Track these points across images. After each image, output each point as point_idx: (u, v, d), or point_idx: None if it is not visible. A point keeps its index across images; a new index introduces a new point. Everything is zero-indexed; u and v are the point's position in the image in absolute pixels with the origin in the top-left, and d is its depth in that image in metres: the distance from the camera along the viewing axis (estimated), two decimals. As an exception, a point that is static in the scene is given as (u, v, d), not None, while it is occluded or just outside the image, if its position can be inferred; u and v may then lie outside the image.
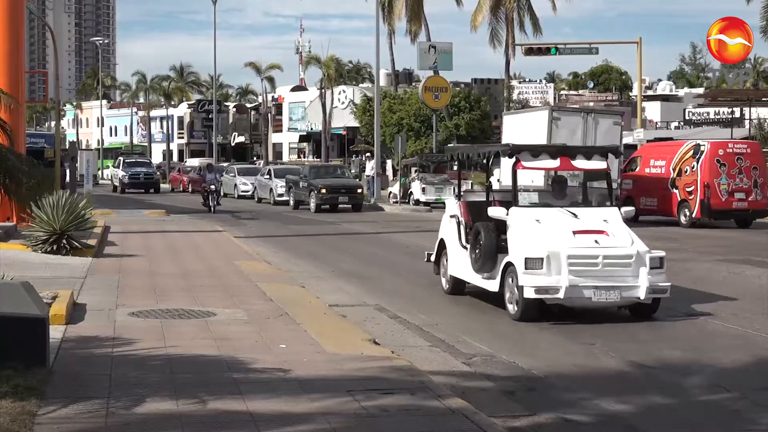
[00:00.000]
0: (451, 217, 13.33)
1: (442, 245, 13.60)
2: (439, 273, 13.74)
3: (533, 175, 19.25)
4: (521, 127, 27.43)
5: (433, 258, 13.90)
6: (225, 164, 69.24)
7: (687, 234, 23.88)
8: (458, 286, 13.13)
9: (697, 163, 25.64)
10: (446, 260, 13.39)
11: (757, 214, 26.06)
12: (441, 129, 58.86)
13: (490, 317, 11.68)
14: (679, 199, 25.98)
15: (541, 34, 58.65)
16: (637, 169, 28.07)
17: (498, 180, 20.25)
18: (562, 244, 11.11)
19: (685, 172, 26.00)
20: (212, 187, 33.22)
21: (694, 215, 25.48)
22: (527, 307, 11.04)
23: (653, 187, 26.86)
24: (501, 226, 11.94)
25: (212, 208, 32.74)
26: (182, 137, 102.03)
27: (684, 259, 18.05)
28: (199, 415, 6.58)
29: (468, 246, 12.40)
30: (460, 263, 12.78)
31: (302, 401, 6.96)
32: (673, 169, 26.43)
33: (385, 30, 61.19)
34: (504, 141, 27.62)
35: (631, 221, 13.43)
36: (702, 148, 25.95)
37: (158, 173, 55.95)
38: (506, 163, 13.25)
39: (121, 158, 56.21)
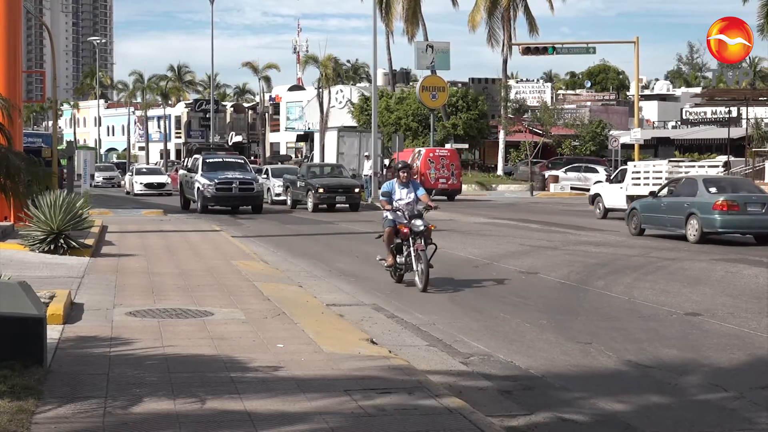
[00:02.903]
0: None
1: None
2: None
3: None
4: (329, 142, 47.58)
5: None
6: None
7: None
8: None
9: (418, 161, 42.23)
10: None
11: (454, 192, 42.92)
12: (438, 128, 58.91)
13: (488, 316, 11.69)
14: None
15: (537, 34, 58.81)
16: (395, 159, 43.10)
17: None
18: None
19: (416, 164, 41.22)
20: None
21: None
22: None
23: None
24: None
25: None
26: (179, 137, 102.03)
27: (680, 258, 18.08)
28: (196, 414, 6.58)
29: None
30: None
31: (299, 401, 6.97)
32: (412, 161, 40.77)
33: (382, 29, 61.23)
34: (327, 153, 48.12)
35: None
36: (420, 152, 43.93)
37: (259, 181, 34.33)
38: None
39: (198, 157, 35.33)
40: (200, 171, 33.03)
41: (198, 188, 32.61)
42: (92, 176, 69.41)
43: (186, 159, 41.12)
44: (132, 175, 53.36)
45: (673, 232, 22.70)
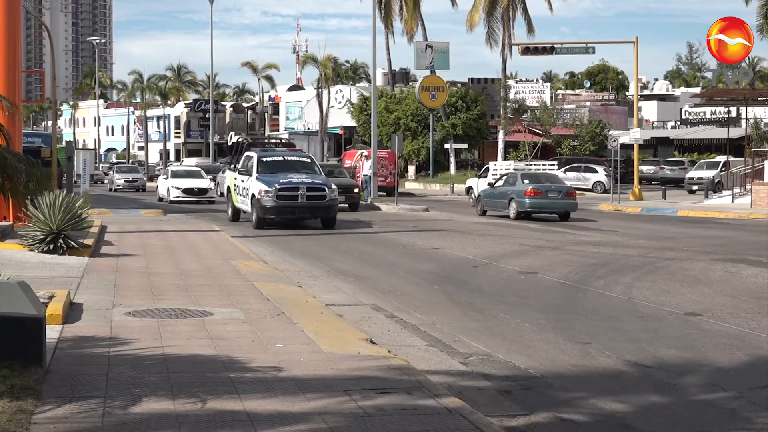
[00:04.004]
0: None
1: None
2: None
3: None
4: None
5: None
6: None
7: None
8: None
9: (361, 162, 46.71)
10: None
11: (391, 189, 43.65)
12: (438, 128, 58.92)
13: (487, 316, 11.69)
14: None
15: (533, 34, 58.73)
16: (342, 160, 52.92)
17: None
18: None
19: (358, 165, 46.85)
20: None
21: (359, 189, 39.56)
22: None
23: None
24: None
25: None
26: (179, 137, 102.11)
27: (679, 258, 18.08)
28: (195, 414, 6.58)
29: None
30: None
31: (299, 401, 6.97)
32: (354, 162, 48.25)
33: (382, 29, 61.23)
34: None
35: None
36: (363, 153, 47.86)
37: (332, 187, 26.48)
38: None
39: (252, 155, 27.67)
40: (255, 173, 25.97)
41: (253, 195, 25.43)
42: (95, 175, 67.66)
43: (234, 156, 32.58)
44: (167, 177, 42.86)
45: (502, 213, 30.68)
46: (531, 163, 48.93)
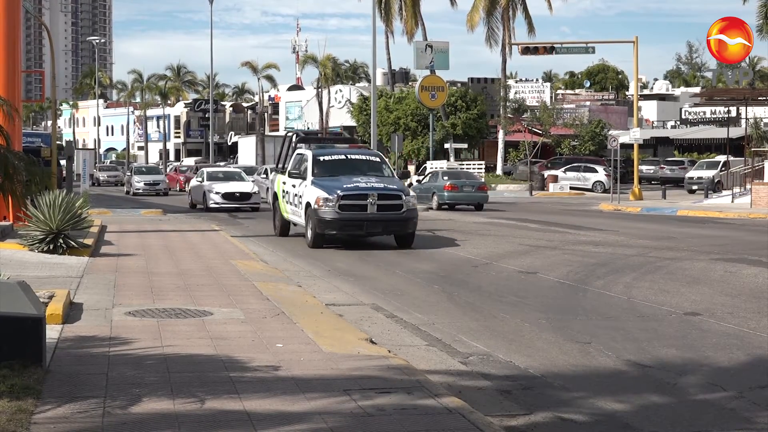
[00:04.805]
0: None
1: None
2: None
3: None
4: (246, 146, 56.96)
5: None
6: (222, 163, 69.59)
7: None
8: None
9: None
10: None
11: None
12: (438, 128, 58.89)
13: (487, 316, 11.69)
14: None
15: (534, 34, 58.74)
16: None
17: None
18: None
19: None
20: None
21: None
22: None
23: None
24: None
25: None
26: (179, 136, 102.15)
27: (679, 257, 18.08)
28: (195, 414, 6.58)
29: None
30: None
31: (299, 400, 6.97)
32: None
33: (382, 29, 61.23)
34: (240, 156, 59.53)
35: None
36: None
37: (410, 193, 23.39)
38: None
39: (306, 153, 22.22)
40: (310, 176, 20.82)
41: (307, 205, 20.19)
42: (114, 176, 66.18)
43: (283, 153, 25.06)
44: (202, 180, 36.79)
45: (428, 205, 35.33)
46: (463, 163, 53.98)
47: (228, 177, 37.44)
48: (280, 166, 24.59)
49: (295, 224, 22.07)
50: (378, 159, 22.24)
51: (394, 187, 20.35)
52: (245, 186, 35.93)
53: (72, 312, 10.54)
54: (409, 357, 8.91)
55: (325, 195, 19.67)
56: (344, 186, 19.88)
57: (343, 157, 21.90)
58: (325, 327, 10.06)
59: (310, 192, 20.17)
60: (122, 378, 7.54)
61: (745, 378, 8.51)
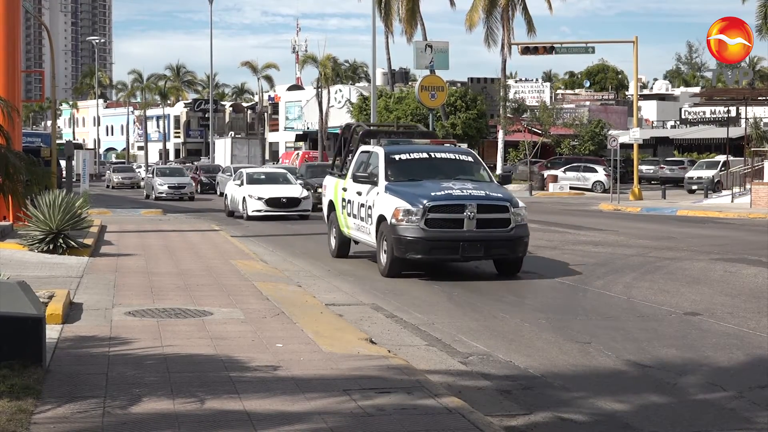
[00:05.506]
0: None
1: None
2: None
3: None
4: (221, 146, 66.88)
5: None
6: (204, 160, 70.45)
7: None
8: None
9: (297, 161, 55.58)
10: None
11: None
12: (437, 128, 58.84)
13: (487, 316, 11.69)
14: None
15: (534, 34, 58.74)
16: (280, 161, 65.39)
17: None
18: None
19: (295, 161, 56.58)
20: None
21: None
22: None
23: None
24: None
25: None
26: (178, 136, 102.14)
27: (679, 257, 18.08)
28: (195, 414, 6.58)
29: None
30: None
31: (299, 400, 6.97)
32: (291, 162, 57.94)
33: (382, 29, 61.22)
34: (217, 156, 66.55)
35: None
36: (299, 153, 59.89)
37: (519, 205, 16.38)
38: None
39: (377, 151, 17.10)
40: (383, 179, 16.24)
41: (381, 219, 15.65)
42: (129, 178, 64.85)
43: (350, 152, 19.40)
44: (241, 184, 31.47)
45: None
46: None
47: (271, 179, 32.28)
48: (334, 166, 20.50)
49: (356, 241, 17.83)
50: (471, 159, 17.40)
51: (499, 195, 15.89)
52: (293, 190, 30.88)
53: (72, 312, 10.55)
54: (409, 357, 8.91)
55: (407, 205, 15.07)
56: (432, 194, 15.25)
57: (425, 155, 17.12)
58: (325, 327, 10.07)
59: (385, 202, 15.61)
60: (122, 378, 7.54)
61: (745, 378, 8.51)
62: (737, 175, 41.89)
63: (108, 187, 58.09)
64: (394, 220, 15.10)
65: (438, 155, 17.28)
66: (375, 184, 16.38)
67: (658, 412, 7.42)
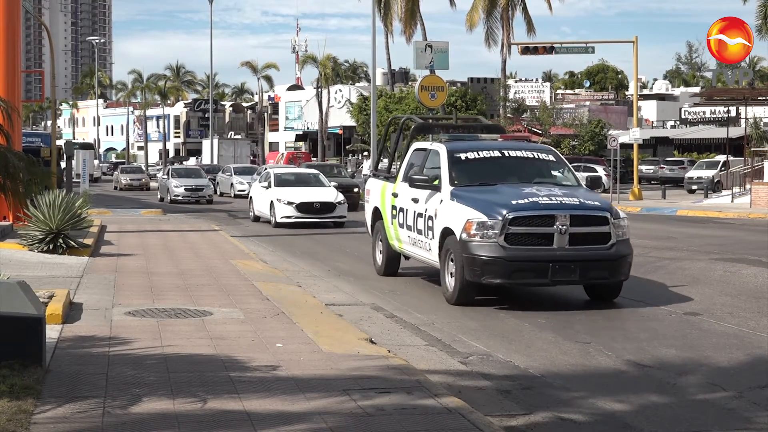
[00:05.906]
0: None
1: None
2: None
3: None
4: (208, 147, 67.72)
5: None
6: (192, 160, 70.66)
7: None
8: None
9: (282, 160, 59.76)
10: None
11: None
12: (438, 128, 58.74)
13: (487, 316, 11.68)
14: None
15: (534, 33, 58.73)
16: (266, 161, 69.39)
17: None
18: None
19: (279, 161, 60.85)
20: None
21: None
22: None
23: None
24: None
25: None
26: (178, 136, 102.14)
27: (679, 257, 18.07)
28: (195, 414, 6.58)
29: None
30: None
31: (299, 400, 6.97)
32: (276, 162, 61.33)
33: (381, 29, 61.22)
34: (204, 156, 69.69)
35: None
36: (283, 154, 62.78)
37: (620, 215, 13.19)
38: None
39: (437, 149, 14.25)
40: (447, 184, 13.37)
41: (446, 233, 12.78)
42: (137, 179, 64.14)
43: (390, 143, 18.95)
44: (268, 186, 28.53)
45: None
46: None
47: (302, 181, 29.35)
48: (377, 167, 17.90)
49: (407, 257, 15.17)
50: (553, 158, 14.47)
51: (595, 203, 12.78)
52: (327, 193, 27.81)
53: (72, 312, 10.55)
54: (408, 357, 8.91)
55: (481, 217, 12.15)
56: (513, 202, 12.31)
57: (497, 153, 14.09)
58: (324, 327, 10.07)
59: (452, 212, 12.75)
60: (122, 378, 7.54)
61: (745, 378, 8.51)
62: (737, 175, 41.90)
63: (116, 188, 57.80)
64: (464, 235, 12.17)
65: (513, 153, 14.16)
66: (437, 189, 13.45)
67: (658, 412, 7.42)
